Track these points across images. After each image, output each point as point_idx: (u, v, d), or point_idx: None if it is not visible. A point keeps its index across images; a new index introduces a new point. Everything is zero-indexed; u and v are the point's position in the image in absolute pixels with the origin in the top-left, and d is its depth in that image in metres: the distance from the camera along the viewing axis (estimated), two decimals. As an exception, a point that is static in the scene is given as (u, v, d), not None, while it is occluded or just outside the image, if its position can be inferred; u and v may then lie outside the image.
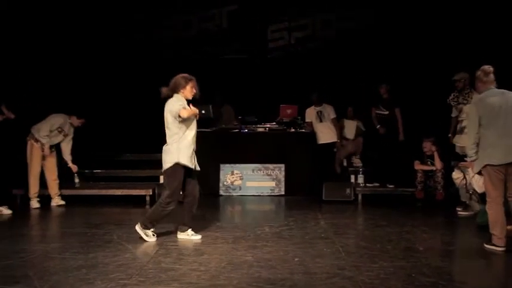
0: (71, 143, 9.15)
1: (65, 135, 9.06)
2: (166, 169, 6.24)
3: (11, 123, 8.37)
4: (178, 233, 6.45)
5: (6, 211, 8.25)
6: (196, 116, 6.27)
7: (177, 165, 6.16)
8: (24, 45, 10.10)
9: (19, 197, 9.26)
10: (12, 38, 9.63)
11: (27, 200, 8.93)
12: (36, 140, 8.83)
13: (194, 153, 6.36)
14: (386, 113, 10.15)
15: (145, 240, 6.22)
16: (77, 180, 9.42)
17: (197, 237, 6.38)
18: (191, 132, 6.28)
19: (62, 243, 6.30)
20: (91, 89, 11.33)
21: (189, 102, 6.32)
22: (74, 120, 9.11)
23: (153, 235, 6.30)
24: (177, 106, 6.08)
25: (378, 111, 10.29)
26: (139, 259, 5.46)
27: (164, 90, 6.30)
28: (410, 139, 9.95)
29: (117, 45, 12.21)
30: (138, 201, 9.21)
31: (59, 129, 8.98)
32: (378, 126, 10.26)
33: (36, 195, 8.87)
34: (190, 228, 6.46)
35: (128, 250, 5.84)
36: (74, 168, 9.17)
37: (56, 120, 8.98)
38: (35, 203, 8.83)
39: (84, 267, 5.13)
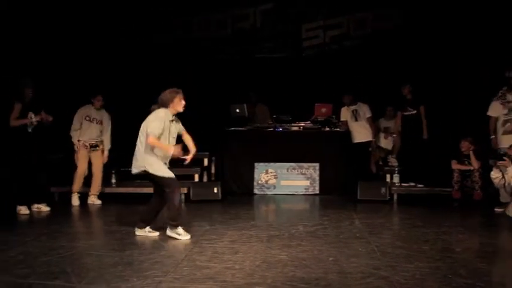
0: (108, 133, 9.22)
1: (99, 123, 9.14)
2: (139, 173, 6.39)
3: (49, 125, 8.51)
4: (136, 229, 6.56)
5: (45, 208, 8.41)
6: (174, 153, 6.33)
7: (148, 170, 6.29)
8: (52, 48, 10.24)
9: (57, 194, 9.42)
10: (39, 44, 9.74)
11: (65, 197, 9.07)
12: (78, 140, 8.99)
13: (167, 166, 6.44)
14: (415, 112, 10.00)
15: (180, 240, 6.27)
16: (113, 180, 9.56)
17: (154, 234, 6.47)
18: (161, 151, 6.32)
19: (98, 240, 6.40)
20: (128, 89, 11.44)
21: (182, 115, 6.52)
22: (96, 103, 9.11)
23: (185, 232, 6.33)
24: (156, 130, 6.17)
25: (405, 113, 10.11)
26: (174, 257, 5.49)
27: (155, 107, 6.38)
28: (445, 138, 9.82)
29: (153, 45, 12.32)
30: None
31: (87, 118, 9.04)
32: (394, 135, 10.12)
33: (77, 192, 9.01)
34: (149, 225, 6.58)
35: (162, 248, 5.89)
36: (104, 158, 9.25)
37: (80, 111, 9.06)
38: (75, 200, 8.97)
39: (120, 264, 5.19)
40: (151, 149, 6.24)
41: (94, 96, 9.07)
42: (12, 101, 8.19)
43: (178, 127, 6.54)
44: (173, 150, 6.25)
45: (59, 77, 10.06)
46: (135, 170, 6.39)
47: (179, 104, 6.37)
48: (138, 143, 6.36)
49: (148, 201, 6.69)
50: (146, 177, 6.44)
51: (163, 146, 6.23)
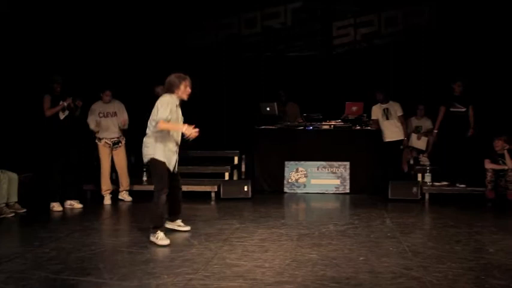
0: (125, 113, 9.16)
1: (114, 115, 9.09)
2: (147, 162, 6.24)
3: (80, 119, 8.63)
4: (167, 222, 6.53)
5: (78, 205, 8.52)
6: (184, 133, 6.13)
7: (155, 160, 6.12)
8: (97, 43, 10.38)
9: (89, 192, 9.54)
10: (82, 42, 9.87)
11: (97, 195, 9.18)
12: (99, 139, 9.05)
13: (176, 155, 6.34)
14: (464, 109, 9.50)
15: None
16: (145, 178, 9.63)
17: (165, 242, 5.99)
18: (173, 134, 6.22)
19: (130, 237, 6.45)
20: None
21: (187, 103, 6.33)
22: (104, 98, 9.06)
23: (165, 237, 6.00)
24: (164, 114, 5.98)
25: (453, 109, 9.78)
26: (205, 255, 5.52)
27: (159, 89, 6.25)
28: (481, 137, 9.64)
29: (185, 46, 12.40)
30: (203, 198, 9.33)
31: (101, 114, 9.01)
32: (435, 131, 9.83)
33: (108, 192, 9.09)
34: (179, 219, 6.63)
35: (193, 245, 5.92)
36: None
37: (92, 110, 9.03)
38: (107, 200, 9.06)
39: (151, 261, 5.24)
40: (161, 137, 6.10)
41: (103, 92, 9.09)
42: (42, 95, 8.35)
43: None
44: (184, 128, 6.04)
45: (90, 77, 10.17)
46: (145, 159, 6.23)
47: (184, 92, 6.16)
48: (147, 131, 6.20)
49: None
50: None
51: (173, 126, 6.08)
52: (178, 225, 6.67)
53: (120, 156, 9.16)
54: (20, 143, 8.93)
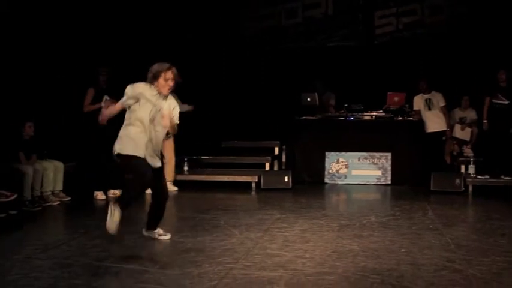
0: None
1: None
2: (116, 156, 5.41)
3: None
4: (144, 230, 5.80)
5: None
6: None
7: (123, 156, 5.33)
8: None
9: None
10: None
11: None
12: None
13: (152, 150, 5.39)
14: (507, 102, 9.25)
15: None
16: (186, 167, 9.71)
17: (165, 237, 5.74)
18: (146, 125, 5.30)
19: (171, 226, 6.51)
20: (203, 79, 11.59)
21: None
22: None
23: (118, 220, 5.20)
24: (125, 96, 5.27)
25: (496, 101, 9.48)
26: (246, 244, 5.54)
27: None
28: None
29: (223, 37, 12.45)
30: (244, 188, 9.36)
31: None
32: (485, 121, 9.58)
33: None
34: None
35: (234, 235, 5.96)
36: None
37: None
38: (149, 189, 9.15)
39: (192, 250, 5.29)
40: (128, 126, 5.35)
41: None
42: (86, 87, 8.46)
43: (169, 107, 5.45)
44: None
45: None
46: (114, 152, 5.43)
47: (163, 85, 5.29)
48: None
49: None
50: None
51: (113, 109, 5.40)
52: (159, 234, 5.77)
53: (168, 148, 9.25)
54: (65, 132, 9.09)
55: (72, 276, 4.49)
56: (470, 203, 8.50)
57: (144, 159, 5.28)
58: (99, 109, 8.35)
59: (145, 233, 5.78)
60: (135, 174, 5.27)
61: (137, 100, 5.26)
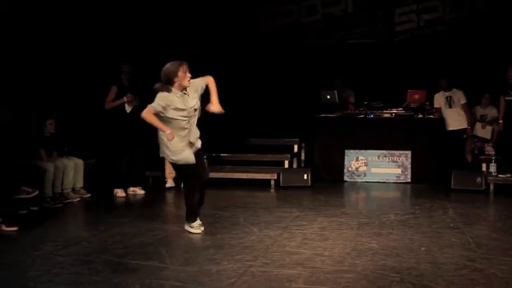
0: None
1: None
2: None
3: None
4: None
5: (140, 191, 8.70)
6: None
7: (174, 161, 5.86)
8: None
9: (151, 178, 9.72)
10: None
11: (160, 181, 9.35)
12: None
13: (190, 144, 5.79)
14: None
15: (267, 226, 6.31)
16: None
17: (197, 231, 5.92)
18: (179, 128, 5.68)
19: (191, 223, 6.54)
20: (222, 77, 11.58)
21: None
22: None
23: (199, 227, 5.93)
24: (155, 104, 5.56)
25: (508, 98, 9.45)
26: (264, 242, 5.54)
27: (158, 86, 5.66)
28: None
29: (244, 35, 12.45)
30: (263, 185, 9.37)
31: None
32: (501, 121, 9.49)
33: (171, 175, 9.23)
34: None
35: (253, 232, 5.96)
36: None
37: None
38: (170, 182, 9.22)
39: (211, 248, 5.31)
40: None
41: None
42: (109, 85, 8.51)
43: (196, 92, 5.79)
44: (167, 132, 5.52)
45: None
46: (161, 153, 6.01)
47: (184, 78, 5.60)
48: None
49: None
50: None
51: (158, 123, 5.56)
52: (198, 223, 6.01)
53: None
54: (85, 130, 9.16)
55: (92, 273, 4.53)
56: (491, 201, 8.42)
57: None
58: (122, 105, 8.43)
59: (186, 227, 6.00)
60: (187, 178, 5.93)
61: (165, 110, 5.58)
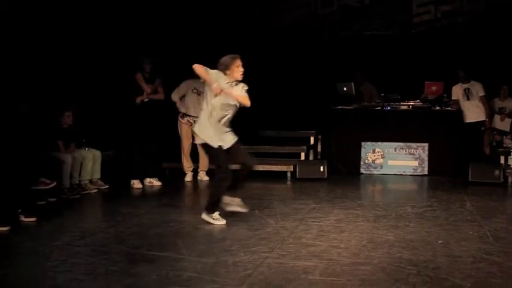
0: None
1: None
2: (202, 144, 6.17)
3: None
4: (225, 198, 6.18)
5: (157, 183, 8.75)
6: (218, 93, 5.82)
7: (207, 146, 6.00)
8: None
9: (168, 170, 9.76)
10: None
11: (176, 173, 9.39)
12: (182, 116, 9.16)
13: (224, 132, 6.06)
14: None
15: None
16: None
17: (221, 222, 5.96)
18: (216, 111, 5.95)
19: (207, 215, 6.56)
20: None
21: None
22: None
23: (221, 218, 5.97)
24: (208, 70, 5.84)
25: None
26: (281, 234, 5.55)
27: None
28: None
29: (261, 27, 12.42)
30: (279, 177, 9.37)
31: (194, 90, 8.97)
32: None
33: (190, 169, 9.26)
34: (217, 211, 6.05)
35: (269, 224, 5.97)
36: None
37: (188, 81, 9.00)
38: (188, 177, 9.25)
39: (228, 239, 5.32)
40: (207, 118, 5.95)
41: None
42: (134, 73, 8.56)
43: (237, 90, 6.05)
44: (214, 86, 5.78)
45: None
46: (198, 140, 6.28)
47: (237, 71, 5.95)
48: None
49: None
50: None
51: (205, 74, 5.81)
52: (237, 204, 6.30)
53: None
54: (103, 121, 9.22)
55: (109, 263, 4.56)
56: (509, 194, 8.36)
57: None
58: (139, 104, 8.50)
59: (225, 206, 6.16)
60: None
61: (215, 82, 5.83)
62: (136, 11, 9.80)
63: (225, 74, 5.96)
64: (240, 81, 6.04)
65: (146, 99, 8.51)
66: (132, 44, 9.50)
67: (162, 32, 10.28)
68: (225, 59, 6.00)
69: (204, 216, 5.99)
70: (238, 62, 5.97)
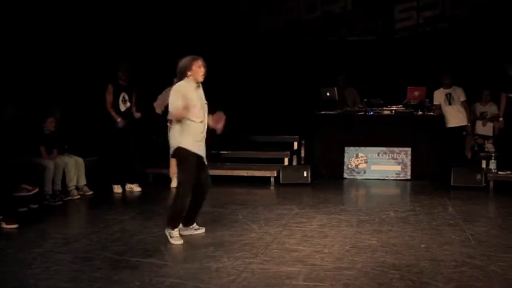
0: None
1: None
2: (172, 154, 5.67)
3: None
4: (181, 228, 5.76)
5: (137, 188, 8.73)
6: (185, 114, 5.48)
7: (182, 149, 5.53)
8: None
9: (151, 175, 9.72)
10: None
11: (159, 178, 9.35)
12: (171, 122, 9.10)
13: (203, 144, 5.68)
14: None
15: (266, 224, 6.31)
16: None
17: (200, 231, 5.87)
18: (197, 121, 5.56)
19: (190, 221, 6.54)
20: (222, 74, 11.58)
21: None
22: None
23: (179, 237, 5.51)
24: (175, 104, 5.47)
25: (510, 94, 9.51)
26: (264, 239, 5.55)
27: (176, 80, 5.66)
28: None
29: (243, 32, 12.44)
30: (262, 182, 9.37)
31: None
32: (501, 119, 9.54)
33: (175, 175, 9.22)
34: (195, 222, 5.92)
35: (253, 230, 5.97)
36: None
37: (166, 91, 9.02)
38: (174, 183, 9.20)
39: (211, 245, 5.31)
40: (185, 126, 5.52)
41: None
42: (106, 83, 8.54)
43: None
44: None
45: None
46: (171, 151, 5.68)
47: (198, 72, 5.52)
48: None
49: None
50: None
51: (180, 115, 5.46)
52: (194, 229, 5.92)
53: None
54: (86, 127, 9.17)
55: (92, 270, 4.53)
56: (491, 198, 8.42)
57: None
58: (117, 104, 8.48)
59: (182, 231, 5.74)
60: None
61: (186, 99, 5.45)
62: (121, 16, 9.76)
63: (186, 75, 5.55)
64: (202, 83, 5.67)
65: (121, 126, 8.48)
66: (115, 48, 9.46)
67: (148, 35, 10.26)
68: (186, 59, 5.60)
69: (166, 231, 5.56)
70: (200, 63, 5.56)
